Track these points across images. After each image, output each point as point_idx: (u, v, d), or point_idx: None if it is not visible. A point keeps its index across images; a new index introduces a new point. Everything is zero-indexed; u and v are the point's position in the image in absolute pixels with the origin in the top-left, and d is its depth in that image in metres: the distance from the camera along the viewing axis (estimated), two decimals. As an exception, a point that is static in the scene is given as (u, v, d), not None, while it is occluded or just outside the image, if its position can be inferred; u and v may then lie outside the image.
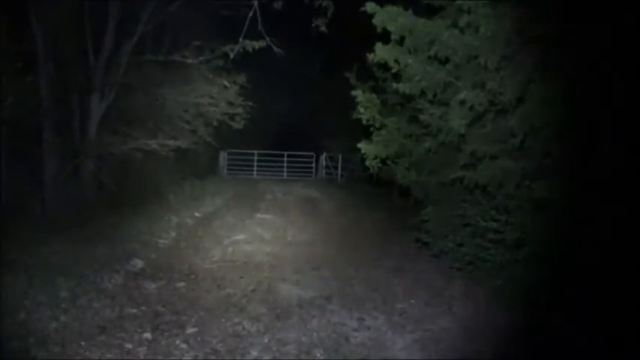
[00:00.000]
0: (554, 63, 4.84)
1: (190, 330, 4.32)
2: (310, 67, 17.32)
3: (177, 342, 4.09)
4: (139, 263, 6.02)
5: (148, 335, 4.15)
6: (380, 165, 6.99)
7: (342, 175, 17.93)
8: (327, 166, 18.96)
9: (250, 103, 12.97)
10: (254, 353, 3.98)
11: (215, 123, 12.42)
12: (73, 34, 8.52)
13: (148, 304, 4.83)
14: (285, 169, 19.39)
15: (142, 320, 4.45)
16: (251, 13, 7.52)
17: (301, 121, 19.58)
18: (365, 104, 6.93)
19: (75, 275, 5.13)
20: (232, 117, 12.92)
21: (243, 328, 4.43)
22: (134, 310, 4.66)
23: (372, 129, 6.98)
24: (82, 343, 3.87)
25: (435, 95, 5.93)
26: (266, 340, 4.20)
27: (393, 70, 6.14)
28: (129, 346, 3.95)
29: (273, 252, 7.24)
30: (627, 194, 4.39)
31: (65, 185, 8.13)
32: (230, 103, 12.39)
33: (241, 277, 5.91)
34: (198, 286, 5.46)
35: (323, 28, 7.92)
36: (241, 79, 12.19)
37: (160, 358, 3.83)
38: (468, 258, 5.94)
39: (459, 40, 5.51)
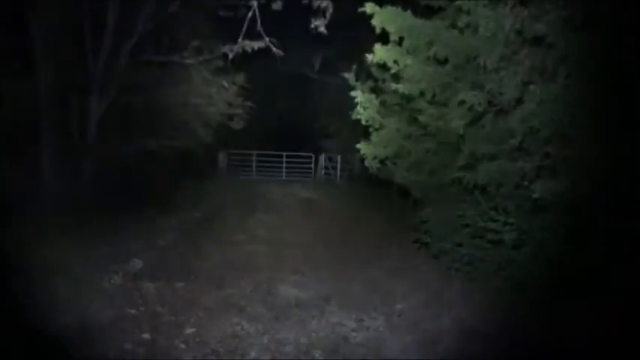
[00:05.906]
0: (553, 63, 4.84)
1: (189, 330, 4.32)
2: (310, 67, 17.30)
3: (176, 342, 4.09)
4: (138, 263, 6.02)
5: (146, 336, 4.15)
6: (379, 165, 6.99)
7: (341, 176, 17.92)
8: (326, 167, 18.96)
9: (249, 104, 12.99)
10: (253, 354, 3.98)
11: (214, 123, 12.44)
12: (73, 34, 8.52)
13: (146, 305, 4.83)
14: (284, 170, 19.38)
15: (141, 320, 4.45)
16: (250, 14, 7.52)
17: (300, 121, 19.58)
18: (364, 105, 6.92)
19: (74, 275, 5.13)
20: (231, 117, 12.96)
21: (242, 329, 4.43)
22: (133, 311, 4.65)
23: (371, 129, 6.97)
24: (81, 342, 3.87)
25: (434, 96, 5.92)
26: (265, 341, 4.21)
27: (392, 71, 6.12)
28: (128, 346, 3.95)
29: (272, 252, 7.23)
30: (627, 194, 4.40)
31: (65, 185, 8.13)
32: (229, 104, 12.41)
33: (240, 278, 5.91)
34: (198, 287, 5.46)
35: (322, 29, 7.91)
36: (240, 79, 12.20)
37: (159, 358, 3.83)
38: (467, 258, 5.94)
39: (458, 41, 5.51)
